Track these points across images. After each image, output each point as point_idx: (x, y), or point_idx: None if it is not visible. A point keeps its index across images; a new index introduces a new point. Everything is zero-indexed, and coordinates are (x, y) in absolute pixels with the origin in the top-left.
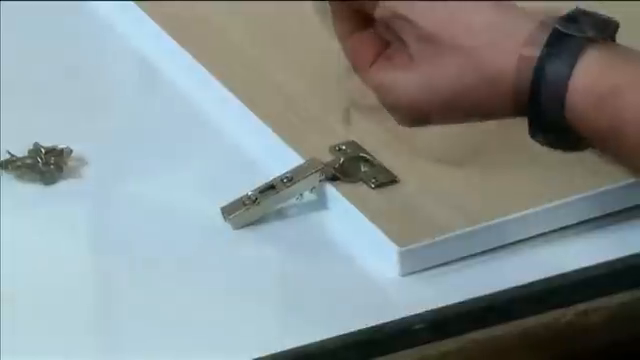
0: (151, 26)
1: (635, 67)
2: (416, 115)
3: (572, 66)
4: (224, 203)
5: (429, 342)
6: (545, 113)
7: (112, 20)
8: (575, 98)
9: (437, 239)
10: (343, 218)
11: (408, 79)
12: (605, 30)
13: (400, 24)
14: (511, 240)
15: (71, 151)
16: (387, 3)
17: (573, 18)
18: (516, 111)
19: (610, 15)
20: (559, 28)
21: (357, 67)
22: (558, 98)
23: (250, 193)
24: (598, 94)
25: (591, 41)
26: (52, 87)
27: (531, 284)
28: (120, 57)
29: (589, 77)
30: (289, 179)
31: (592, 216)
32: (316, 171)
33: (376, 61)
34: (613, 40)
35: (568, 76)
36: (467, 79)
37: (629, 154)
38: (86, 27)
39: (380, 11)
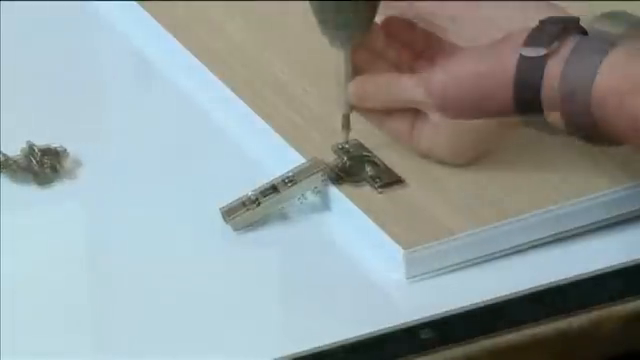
0: (152, 26)
1: (585, 71)
2: (460, 159)
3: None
4: (225, 204)
5: (435, 348)
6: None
7: (112, 20)
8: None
9: (444, 241)
10: (347, 220)
11: (441, 142)
12: (569, 29)
13: (414, 104)
14: (521, 243)
15: (65, 151)
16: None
17: (537, 34)
18: (517, 107)
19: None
20: (522, 52)
21: (401, 140)
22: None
23: (251, 194)
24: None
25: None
26: (50, 86)
27: (543, 290)
28: (120, 57)
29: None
30: (291, 179)
31: (604, 218)
32: (318, 171)
33: (412, 133)
34: (581, 31)
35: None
36: (480, 122)
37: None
38: (86, 27)
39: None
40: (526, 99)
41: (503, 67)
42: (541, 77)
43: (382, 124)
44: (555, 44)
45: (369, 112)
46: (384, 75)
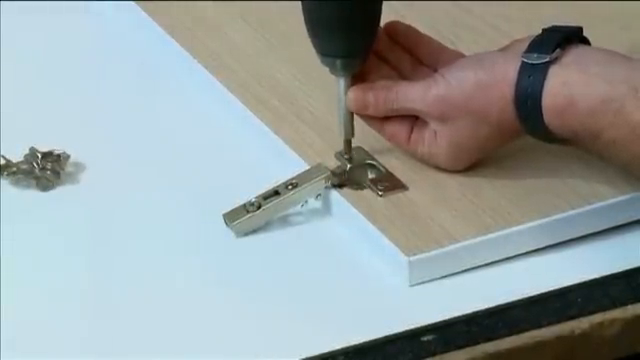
0: (152, 27)
1: (586, 80)
2: (456, 166)
3: (541, 91)
4: (227, 209)
5: (438, 354)
6: (535, 131)
7: (112, 20)
8: (547, 117)
9: (447, 248)
10: (349, 226)
11: (439, 148)
12: (572, 38)
13: (414, 113)
14: (524, 250)
15: (68, 156)
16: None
17: (539, 40)
18: (517, 116)
19: None
20: (524, 59)
21: (399, 144)
22: (538, 118)
23: (253, 199)
24: (560, 109)
25: (552, 63)
26: (50, 88)
27: (544, 294)
28: (120, 58)
29: (552, 97)
30: (294, 185)
31: (606, 226)
32: (322, 177)
33: (411, 137)
34: (583, 41)
35: (540, 100)
36: (480, 129)
37: (597, 155)
38: (86, 27)
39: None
40: (527, 107)
41: (504, 75)
42: (543, 84)
43: (381, 128)
44: (557, 51)
45: (368, 117)
46: (384, 84)
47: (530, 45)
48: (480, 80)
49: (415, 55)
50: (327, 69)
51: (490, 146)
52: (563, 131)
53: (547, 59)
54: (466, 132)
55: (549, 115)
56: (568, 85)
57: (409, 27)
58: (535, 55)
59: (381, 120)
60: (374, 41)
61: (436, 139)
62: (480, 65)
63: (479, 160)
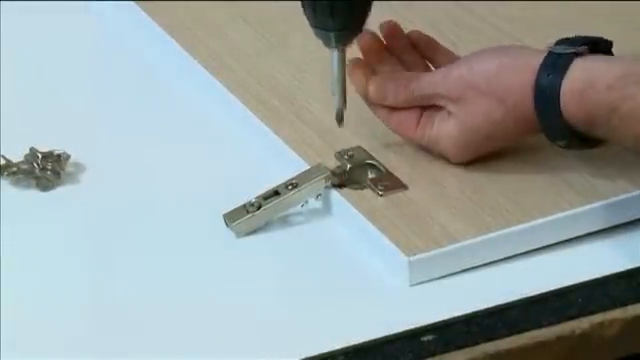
0: (152, 27)
1: (607, 64)
2: (462, 154)
3: (562, 76)
4: (227, 209)
5: (438, 354)
6: (548, 120)
7: (112, 20)
8: (564, 101)
9: (447, 248)
10: (350, 226)
11: (450, 129)
12: (596, 46)
13: (434, 99)
14: (524, 249)
15: (69, 156)
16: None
17: (567, 40)
18: (535, 102)
19: None
20: (550, 49)
21: (405, 134)
22: (554, 104)
23: (253, 199)
24: (578, 91)
25: (577, 55)
26: (50, 88)
27: (544, 294)
28: (120, 59)
29: (572, 81)
30: (294, 185)
31: (607, 225)
32: (322, 177)
33: (420, 122)
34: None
35: (559, 85)
36: (495, 112)
37: (610, 136)
38: (86, 27)
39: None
40: (545, 94)
41: (528, 62)
42: (565, 72)
43: (389, 116)
44: (584, 47)
45: (377, 106)
46: (404, 73)
47: (558, 41)
48: (503, 65)
49: (432, 63)
50: (326, 68)
51: (499, 136)
52: (578, 118)
53: (573, 50)
54: (480, 116)
55: (566, 99)
56: (588, 70)
57: (430, 38)
58: (562, 47)
59: (389, 108)
60: (368, 13)
61: (449, 120)
62: (505, 53)
63: (480, 157)
